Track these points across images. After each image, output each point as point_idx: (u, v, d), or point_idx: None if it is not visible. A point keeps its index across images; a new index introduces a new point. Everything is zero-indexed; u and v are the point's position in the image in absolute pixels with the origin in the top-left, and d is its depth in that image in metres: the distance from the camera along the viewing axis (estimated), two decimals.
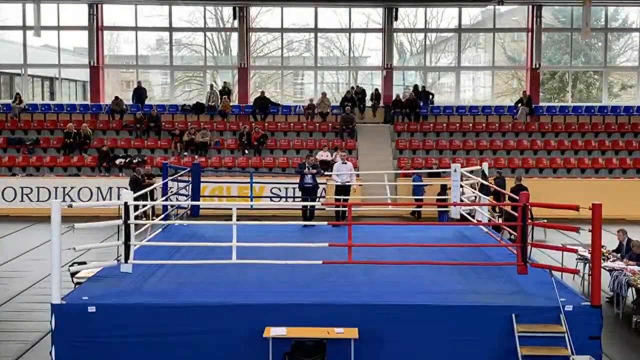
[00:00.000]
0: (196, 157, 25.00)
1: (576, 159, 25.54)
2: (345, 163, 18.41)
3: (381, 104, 28.21)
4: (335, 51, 30.87)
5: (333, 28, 29.94)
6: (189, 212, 16.05)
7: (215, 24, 30.46)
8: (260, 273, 10.43)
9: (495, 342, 9.09)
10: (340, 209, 17.09)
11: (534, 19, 28.76)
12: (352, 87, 28.40)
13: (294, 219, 16.24)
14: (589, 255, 10.64)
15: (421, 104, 27.58)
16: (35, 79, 31.25)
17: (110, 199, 22.94)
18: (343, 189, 17.91)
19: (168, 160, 23.39)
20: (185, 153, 25.51)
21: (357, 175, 17.89)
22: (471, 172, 16.18)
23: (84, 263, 12.07)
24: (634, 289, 12.24)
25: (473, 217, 14.92)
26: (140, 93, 28.21)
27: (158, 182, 16.97)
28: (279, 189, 22.84)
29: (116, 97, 27.77)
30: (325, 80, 30.93)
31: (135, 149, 26.12)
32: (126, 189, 15.07)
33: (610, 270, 12.69)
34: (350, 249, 10.15)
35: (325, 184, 18.88)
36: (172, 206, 15.50)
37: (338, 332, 8.95)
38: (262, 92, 28.17)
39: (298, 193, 19.27)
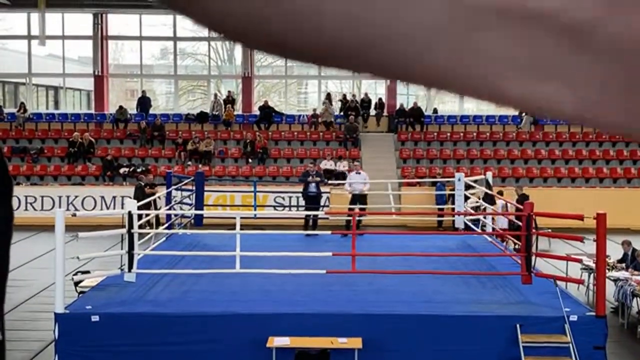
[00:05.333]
0: (200, 166, 25.00)
1: (580, 169, 25.49)
2: (359, 173, 18.70)
3: (385, 113, 28.22)
4: None
5: None
6: (192, 221, 16.05)
7: None
8: (263, 282, 10.42)
9: (499, 352, 9.07)
10: (345, 217, 17.13)
11: None
12: (354, 95, 28.48)
13: (298, 228, 16.22)
14: (593, 265, 10.62)
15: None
16: (40, 88, 31.36)
17: (114, 208, 22.92)
18: (358, 198, 18.16)
19: (172, 169, 23.39)
20: (189, 162, 25.54)
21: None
22: (475, 181, 16.15)
23: (88, 272, 12.08)
24: (639, 299, 12.20)
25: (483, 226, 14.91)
26: (144, 102, 28.26)
27: (161, 191, 16.98)
28: (283, 198, 22.82)
29: (120, 107, 27.82)
30: (329, 89, 30.94)
31: (139, 158, 26.14)
32: (130, 197, 15.06)
33: (615, 280, 12.64)
34: (354, 259, 10.14)
35: (329, 192, 18.93)
36: (175, 215, 15.50)
37: (342, 341, 8.93)
38: (266, 102, 28.20)
39: (302, 202, 19.30)
